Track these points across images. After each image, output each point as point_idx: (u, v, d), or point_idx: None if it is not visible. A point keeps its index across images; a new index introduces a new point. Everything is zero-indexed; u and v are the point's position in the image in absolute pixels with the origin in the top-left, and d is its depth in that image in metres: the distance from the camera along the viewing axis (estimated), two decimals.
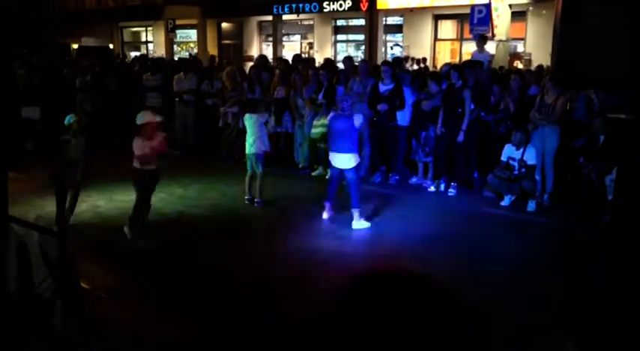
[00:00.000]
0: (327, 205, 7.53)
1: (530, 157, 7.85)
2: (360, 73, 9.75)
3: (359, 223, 7.26)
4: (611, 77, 1.46)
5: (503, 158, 8.02)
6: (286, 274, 5.82)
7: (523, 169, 7.87)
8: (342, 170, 7.33)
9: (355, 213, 7.27)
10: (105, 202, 8.19)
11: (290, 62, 13.02)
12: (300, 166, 10.32)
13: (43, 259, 3.65)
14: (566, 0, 1.51)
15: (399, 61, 11.21)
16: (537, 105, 8.12)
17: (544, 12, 16.93)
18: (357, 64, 10.97)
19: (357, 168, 7.40)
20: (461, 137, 8.43)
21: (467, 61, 10.27)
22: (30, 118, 11.18)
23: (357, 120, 7.26)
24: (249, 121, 8.08)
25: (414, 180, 9.38)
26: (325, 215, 7.53)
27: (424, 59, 18.29)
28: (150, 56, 21.07)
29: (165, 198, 8.45)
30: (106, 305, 5.06)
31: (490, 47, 13.31)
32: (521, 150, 7.87)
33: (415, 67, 17.16)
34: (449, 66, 9.64)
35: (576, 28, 1.49)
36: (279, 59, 13.52)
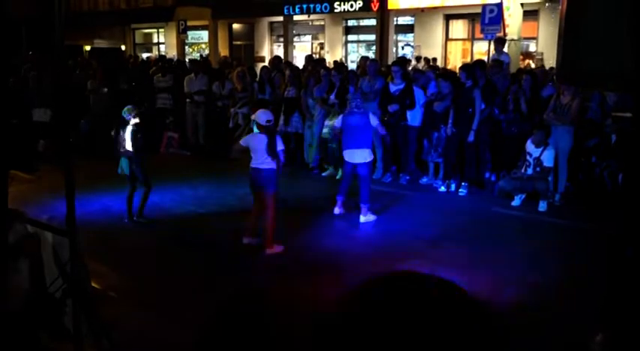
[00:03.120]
0: (340, 199, 7.56)
1: (548, 159, 7.79)
2: (368, 73, 9.74)
3: (366, 217, 7.36)
4: (615, 76, 1.46)
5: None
6: (295, 272, 5.83)
7: (538, 168, 7.82)
8: (355, 166, 7.34)
9: (363, 207, 7.34)
10: (117, 202, 8.22)
11: (299, 63, 13.04)
12: (310, 166, 10.32)
13: (55, 259, 3.69)
14: None
15: (403, 61, 11.18)
16: (552, 105, 8.08)
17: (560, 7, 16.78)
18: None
19: (370, 164, 7.42)
20: (471, 137, 8.40)
21: (477, 61, 10.24)
22: (41, 120, 11.27)
23: (374, 120, 7.36)
24: None
25: (424, 180, 9.36)
26: (337, 210, 7.57)
27: (434, 59, 18.23)
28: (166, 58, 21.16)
29: (176, 198, 8.49)
30: (116, 304, 5.09)
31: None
32: (540, 149, 7.81)
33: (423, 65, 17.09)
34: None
35: (581, 26, 1.48)
36: (286, 62, 13.55)
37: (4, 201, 3.08)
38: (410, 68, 12.28)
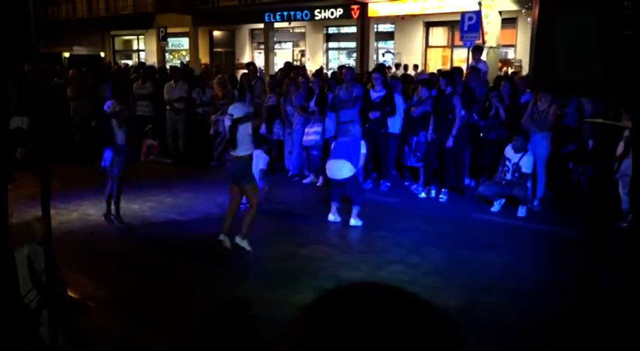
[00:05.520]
0: (334, 205, 7.64)
1: (527, 165, 7.86)
2: (345, 80, 9.76)
3: (355, 221, 7.46)
4: (585, 83, 1.48)
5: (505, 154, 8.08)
6: (277, 280, 5.81)
7: (517, 174, 7.89)
8: (337, 182, 7.44)
9: (354, 210, 7.45)
10: (95, 210, 8.14)
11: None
12: (290, 174, 10.30)
13: (30, 270, 3.64)
14: (542, 7, 1.53)
15: (383, 68, 11.24)
16: (530, 111, 8.16)
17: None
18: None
19: (354, 178, 7.49)
20: (450, 143, 8.45)
21: (456, 68, 10.34)
22: (18, 128, 11.12)
23: (363, 148, 7.59)
24: None
25: (405, 186, 9.39)
26: (331, 217, 7.58)
27: (415, 66, 18.37)
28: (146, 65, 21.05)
29: (155, 206, 8.43)
30: (95, 314, 5.03)
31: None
32: (519, 155, 7.88)
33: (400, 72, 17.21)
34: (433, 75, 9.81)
35: (551, 34, 1.50)
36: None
37: (4, 204, 3.03)
38: (390, 75, 12.37)
